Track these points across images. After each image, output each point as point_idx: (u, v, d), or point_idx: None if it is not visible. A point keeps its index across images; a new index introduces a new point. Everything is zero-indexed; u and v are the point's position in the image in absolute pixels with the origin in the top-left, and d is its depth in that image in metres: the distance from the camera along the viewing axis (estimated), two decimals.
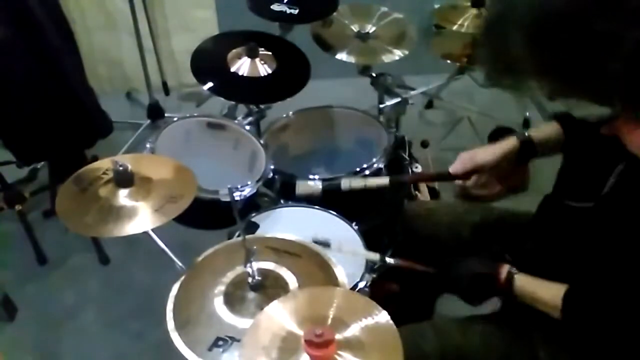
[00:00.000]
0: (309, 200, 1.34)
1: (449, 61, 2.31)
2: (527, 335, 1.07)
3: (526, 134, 1.21)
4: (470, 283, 1.06)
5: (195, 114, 1.54)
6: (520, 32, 0.79)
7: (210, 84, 1.51)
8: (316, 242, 1.14)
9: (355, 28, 1.82)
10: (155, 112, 2.69)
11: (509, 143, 1.21)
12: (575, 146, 1.06)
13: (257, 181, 1.41)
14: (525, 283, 1.01)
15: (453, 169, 1.22)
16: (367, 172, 1.50)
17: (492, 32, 0.85)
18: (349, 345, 0.79)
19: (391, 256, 1.15)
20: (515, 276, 1.02)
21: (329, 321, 0.83)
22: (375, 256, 1.15)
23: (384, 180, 1.23)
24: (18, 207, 2.02)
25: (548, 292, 0.98)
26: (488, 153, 1.21)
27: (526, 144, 1.20)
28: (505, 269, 1.03)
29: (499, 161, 1.20)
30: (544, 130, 1.21)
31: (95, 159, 1.85)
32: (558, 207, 1.02)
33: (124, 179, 1.08)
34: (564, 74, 0.81)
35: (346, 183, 1.24)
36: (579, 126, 1.16)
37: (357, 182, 1.24)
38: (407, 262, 1.13)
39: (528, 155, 1.21)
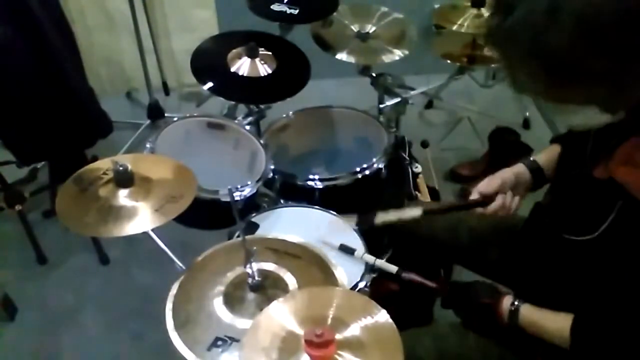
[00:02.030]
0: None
1: (449, 61, 2.31)
2: (526, 343, 1.06)
3: (531, 158, 1.19)
4: (472, 312, 1.07)
5: (195, 114, 1.53)
6: (572, 22, 0.73)
7: (210, 84, 1.51)
8: (342, 248, 1.23)
9: (355, 28, 1.82)
10: (155, 112, 2.69)
11: (523, 176, 1.18)
12: (571, 181, 1.03)
13: (257, 181, 1.40)
14: (530, 313, 1.01)
15: (484, 189, 1.16)
16: (367, 172, 1.50)
17: (531, 23, 0.77)
18: (349, 345, 0.79)
19: (406, 269, 1.16)
20: (521, 307, 1.01)
21: (329, 321, 0.83)
22: (393, 268, 1.17)
23: (416, 212, 1.21)
24: (18, 207, 2.02)
25: (554, 323, 0.97)
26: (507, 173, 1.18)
27: (536, 172, 1.18)
28: (508, 300, 1.03)
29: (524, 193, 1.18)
30: (549, 153, 1.20)
31: (95, 159, 1.85)
32: (556, 239, 1.00)
33: (124, 179, 1.08)
34: (597, 74, 0.76)
35: (380, 218, 1.25)
36: (575, 146, 1.16)
37: (392, 216, 1.24)
38: (422, 279, 1.13)
39: (540, 183, 1.19)
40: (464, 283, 1.13)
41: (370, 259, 1.21)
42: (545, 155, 1.20)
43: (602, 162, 0.92)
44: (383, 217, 1.24)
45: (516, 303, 1.02)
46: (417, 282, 1.13)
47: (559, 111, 0.87)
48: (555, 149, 1.19)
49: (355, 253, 1.23)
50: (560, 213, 1.03)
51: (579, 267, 0.97)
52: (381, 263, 1.20)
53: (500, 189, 1.15)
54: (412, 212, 1.21)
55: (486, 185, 1.16)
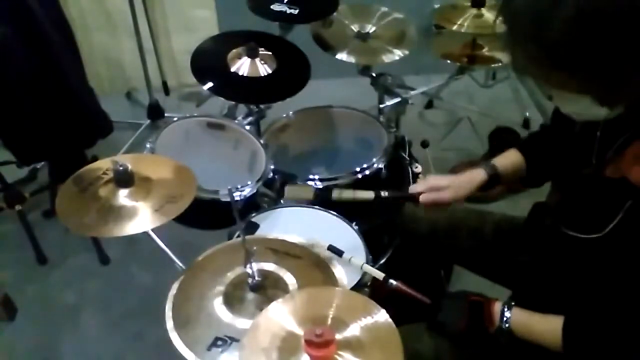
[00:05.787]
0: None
1: (449, 61, 2.31)
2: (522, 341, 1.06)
3: (492, 162, 1.23)
4: (460, 312, 1.05)
5: (195, 114, 1.53)
6: (573, 12, 0.74)
7: (210, 84, 1.51)
8: (330, 248, 1.18)
9: (355, 28, 1.82)
10: (155, 112, 2.69)
11: (478, 177, 1.22)
12: (581, 179, 1.02)
13: (257, 181, 1.40)
14: (522, 315, 1.01)
15: (422, 199, 1.21)
16: (367, 172, 1.50)
17: (536, 7, 0.78)
18: (349, 345, 0.79)
19: (394, 278, 1.12)
20: (513, 309, 1.01)
21: (329, 321, 0.83)
22: (379, 275, 1.14)
23: (369, 195, 1.25)
24: (18, 207, 2.02)
25: (547, 324, 0.97)
26: (457, 190, 1.20)
27: (493, 177, 1.22)
28: (499, 303, 1.03)
29: (466, 196, 1.21)
30: (508, 159, 1.24)
31: (95, 159, 1.85)
32: (560, 237, 1.00)
33: (124, 179, 1.08)
34: (592, 67, 0.77)
35: (336, 193, 1.27)
36: (541, 156, 1.19)
37: (347, 194, 1.27)
38: (407, 288, 1.10)
39: (492, 185, 1.23)
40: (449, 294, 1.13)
41: (358, 262, 1.17)
42: (504, 159, 1.24)
43: (612, 161, 0.92)
44: (339, 194, 1.26)
45: (507, 307, 1.01)
46: (403, 292, 1.10)
47: (558, 98, 0.88)
48: (513, 154, 1.23)
49: (343, 255, 1.18)
50: (567, 210, 1.02)
51: (582, 265, 0.96)
52: (368, 268, 1.16)
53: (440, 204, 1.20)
54: (365, 195, 1.24)
55: (429, 199, 1.20)
